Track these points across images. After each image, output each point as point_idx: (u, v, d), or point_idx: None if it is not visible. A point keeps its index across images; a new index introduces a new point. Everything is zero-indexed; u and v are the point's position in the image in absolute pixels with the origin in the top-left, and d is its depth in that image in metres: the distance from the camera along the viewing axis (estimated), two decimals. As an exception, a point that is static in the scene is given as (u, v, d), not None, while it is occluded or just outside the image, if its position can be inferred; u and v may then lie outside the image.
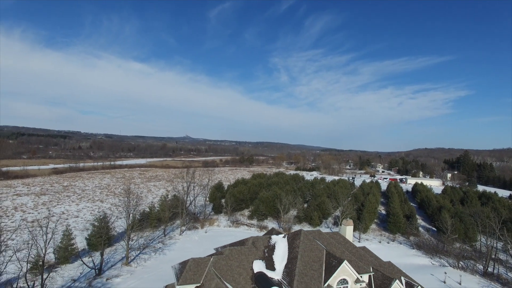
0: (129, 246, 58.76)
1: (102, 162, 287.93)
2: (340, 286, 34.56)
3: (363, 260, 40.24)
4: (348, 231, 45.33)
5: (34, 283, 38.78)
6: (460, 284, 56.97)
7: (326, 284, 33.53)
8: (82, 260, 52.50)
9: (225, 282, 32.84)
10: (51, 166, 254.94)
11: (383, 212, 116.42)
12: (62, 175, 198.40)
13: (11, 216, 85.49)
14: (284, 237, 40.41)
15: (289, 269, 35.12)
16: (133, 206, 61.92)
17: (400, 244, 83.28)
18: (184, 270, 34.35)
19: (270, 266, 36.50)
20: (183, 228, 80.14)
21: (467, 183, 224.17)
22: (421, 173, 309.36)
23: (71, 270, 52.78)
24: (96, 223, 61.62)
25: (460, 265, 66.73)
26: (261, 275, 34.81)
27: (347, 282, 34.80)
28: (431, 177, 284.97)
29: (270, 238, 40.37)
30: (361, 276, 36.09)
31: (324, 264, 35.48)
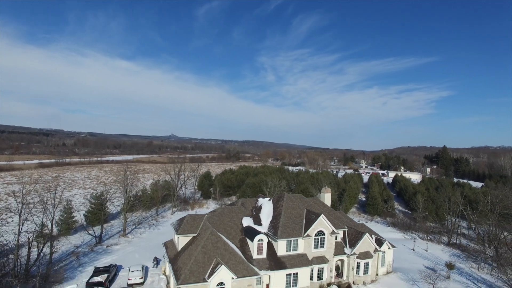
0: (125, 222, 63.01)
1: (88, 158, 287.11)
2: (318, 237, 40.08)
3: (339, 219, 45.93)
4: (326, 197, 50.94)
5: (43, 246, 42.60)
6: (426, 251, 63.64)
7: (305, 234, 39.00)
8: (85, 228, 56.91)
9: (218, 233, 37.84)
10: (36, 161, 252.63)
11: (364, 199, 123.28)
12: (49, 168, 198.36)
13: (6, 200, 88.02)
14: (269, 200, 45.71)
15: (274, 224, 40.45)
16: (130, 181, 66.26)
17: (377, 223, 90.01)
18: (182, 223, 39.23)
19: (257, 222, 41.76)
20: (174, 209, 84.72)
21: (444, 176, 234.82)
22: (402, 168, 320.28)
23: (72, 240, 56.82)
24: (93, 200, 65.62)
25: (428, 238, 73.64)
26: (249, 228, 40.05)
27: (323, 234, 40.33)
28: (411, 171, 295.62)
29: (257, 200, 45.66)
30: (336, 231, 41.67)
31: (304, 219, 40.95)
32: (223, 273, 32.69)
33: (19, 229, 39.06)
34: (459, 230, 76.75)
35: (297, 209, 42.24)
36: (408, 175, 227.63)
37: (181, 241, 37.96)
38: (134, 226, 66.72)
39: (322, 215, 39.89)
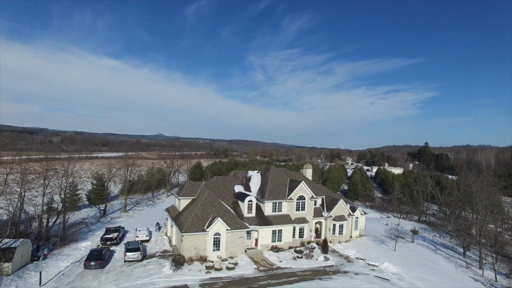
0: (126, 198, 68.75)
1: (77, 154, 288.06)
2: (299, 201, 46.78)
3: (318, 189, 52.78)
4: (308, 172, 57.71)
5: (61, 210, 48.25)
6: (398, 225, 71.12)
7: (289, 197, 45.69)
8: (91, 204, 62.54)
9: (214, 196, 44.14)
10: (24, 157, 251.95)
11: (346, 188, 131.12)
12: (40, 162, 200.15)
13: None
14: (258, 172, 52.30)
15: (261, 190, 47.02)
16: (130, 162, 72.07)
17: (357, 206, 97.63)
18: (183, 188, 45.48)
19: (247, 189, 48.28)
20: (169, 193, 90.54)
21: (424, 171, 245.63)
22: (386, 164, 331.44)
23: (78, 215, 62.27)
24: (95, 181, 70.99)
25: (401, 216, 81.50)
26: (240, 192, 46.55)
27: (304, 198, 47.05)
28: (394, 167, 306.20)
29: (247, 172, 52.27)
30: (315, 197, 48.43)
31: (288, 186, 47.64)
32: (219, 225, 39.05)
33: (43, 191, 44.82)
34: (429, 211, 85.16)
35: (282, 178, 48.90)
36: (391, 169, 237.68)
37: (182, 203, 44.13)
38: (133, 205, 72.57)
39: (303, 181, 46.67)
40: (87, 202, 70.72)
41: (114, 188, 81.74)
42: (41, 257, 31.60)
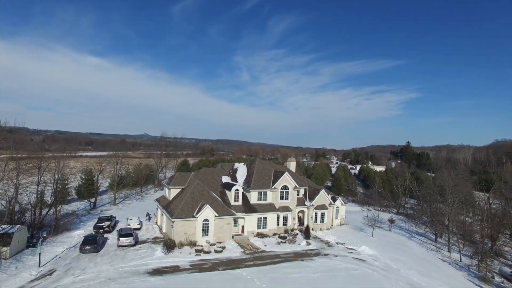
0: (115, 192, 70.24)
1: (61, 153, 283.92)
2: (283, 190, 49.65)
3: (301, 180, 55.82)
4: (291, 165, 60.72)
5: (54, 200, 49.82)
6: (378, 216, 74.90)
7: (273, 187, 48.51)
8: (81, 197, 63.69)
9: (203, 185, 46.53)
10: (4, 156, 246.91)
11: (330, 185, 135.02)
12: (23, 160, 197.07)
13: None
14: (244, 164, 54.96)
15: (247, 180, 49.69)
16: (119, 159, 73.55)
17: (338, 197, 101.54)
18: (173, 178, 47.72)
19: (234, 180, 50.87)
20: (157, 188, 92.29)
21: (405, 169, 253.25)
22: (370, 162, 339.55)
23: (69, 208, 63.47)
24: (83, 176, 72.09)
25: (381, 209, 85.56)
26: (227, 183, 49.10)
27: (288, 188, 49.96)
28: (378, 165, 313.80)
29: (234, 164, 54.89)
30: (298, 187, 51.38)
31: (272, 176, 50.44)
32: (208, 212, 41.51)
33: (38, 180, 46.34)
34: (407, 205, 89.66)
35: (266, 169, 51.68)
36: (374, 167, 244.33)
37: (172, 192, 46.37)
38: (122, 199, 74.01)
39: (286, 172, 49.61)
40: (76, 196, 71.69)
41: (103, 182, 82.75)
42: (40, 239, 33.52)
